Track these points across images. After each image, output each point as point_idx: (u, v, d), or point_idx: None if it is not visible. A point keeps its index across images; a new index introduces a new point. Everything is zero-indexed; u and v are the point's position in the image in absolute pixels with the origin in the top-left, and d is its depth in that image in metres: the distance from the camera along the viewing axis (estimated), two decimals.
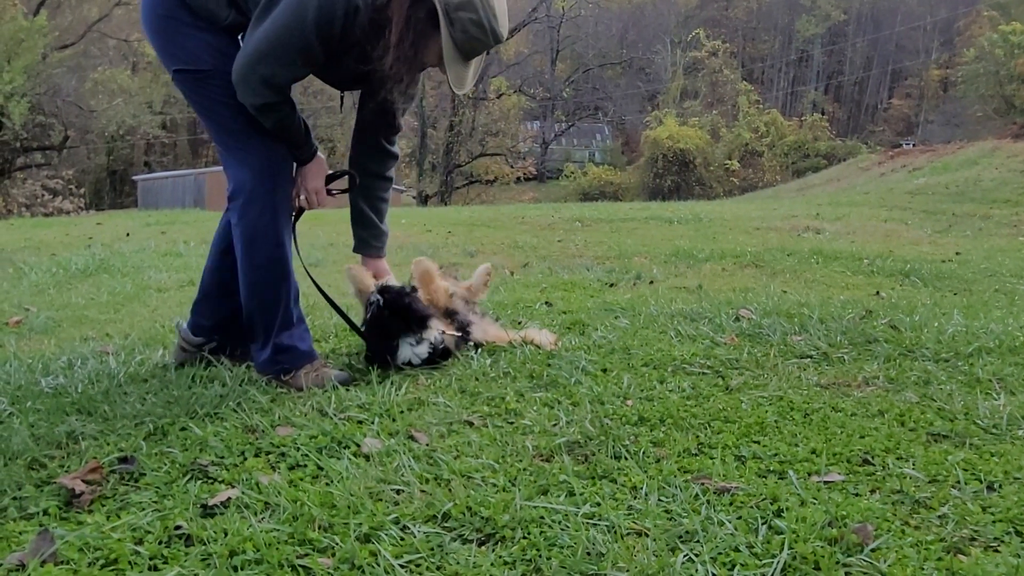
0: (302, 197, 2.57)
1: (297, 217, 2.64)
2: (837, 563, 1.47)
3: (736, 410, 2.32)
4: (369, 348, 2.79)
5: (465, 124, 37.92)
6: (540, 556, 1.49)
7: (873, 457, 1.99)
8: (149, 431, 2.09)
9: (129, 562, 1.45)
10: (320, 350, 2.85)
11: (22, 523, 1.60)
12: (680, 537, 1.57)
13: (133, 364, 2.77)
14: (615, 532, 1.57)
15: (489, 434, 2.10)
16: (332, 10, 2.18)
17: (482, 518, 1.62)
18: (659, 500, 1.73)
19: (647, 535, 1.57)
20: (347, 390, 2.46)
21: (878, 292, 4.76)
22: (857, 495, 1.78)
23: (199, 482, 1.79)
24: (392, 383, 2.53)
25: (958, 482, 1.83)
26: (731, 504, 1.72)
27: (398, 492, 1.75)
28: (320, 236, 7.61)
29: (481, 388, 2.51)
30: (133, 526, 1.58)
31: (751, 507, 1.69)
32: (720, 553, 1.51)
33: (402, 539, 1.55)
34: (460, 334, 2.89)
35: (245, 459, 1.93)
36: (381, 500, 1.70)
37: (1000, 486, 1.82)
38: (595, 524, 1.61)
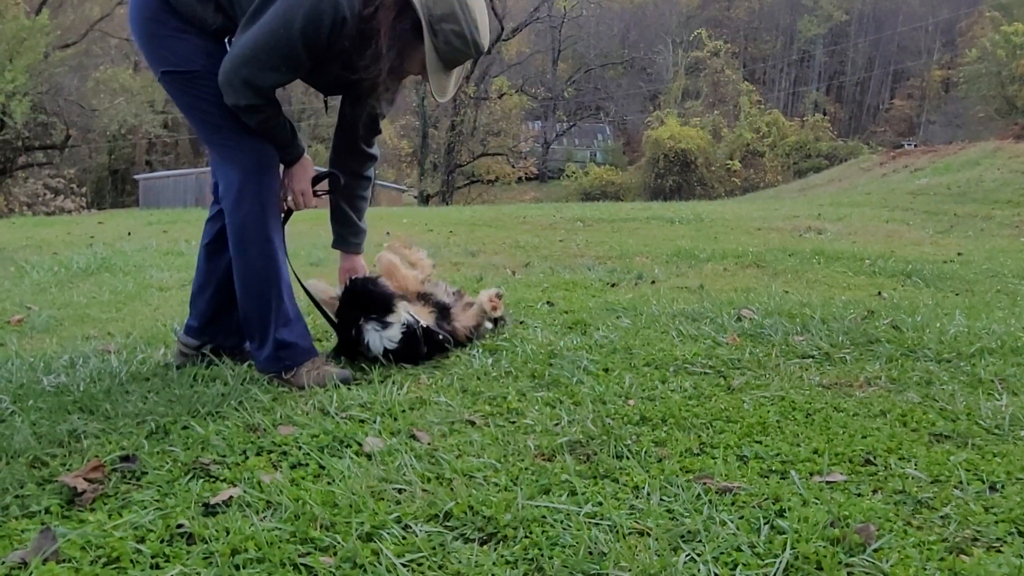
0: (289, 199, 2.58)
1: (286, 219, 2.67)
2: (839, 563, 1.47)
3: (738, 410, 2.32)
4: (338, 341, 2.81)
5: (467, 124, 37.90)
6: (542, 555, 1.49)
7: (875, 457, 1.98)
8: (151, 430, 2.09)
9: (131, 560, 1.45)
10: (321, 349, 2.85)
11: (24, 521, 1.60)
12: (682, 537, 1.57)
13: (135, 363, 2.77)
14: (617, 532, 1.57)
15: (491, 433, 2.10)
16: (320, 20, 2.21)
17: (484, 517, 1.62)
18: (661, 500, 1.73)
19: (649, 535, 1.57)
20: (349, 389, 2.46)
21: (880, 292, 4.76)
22: (859, 495, 1.78)
23: (201, 481, 1.79)
24: (394, 382, 2.53)
25: (960, 482, 1.83)
26: (733, 504, 1.72)
27: (400, 491, 1.75)
28: (322, 236, 7.60)
29: (483, 387, 2.51)
30: (135, 524, 1.58)
31: (753, 507, 1.69)
32: (722, 553, 1.51)
33: (404, 538, 1.55)
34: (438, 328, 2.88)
35: (247, 458, 1.93)
36: (383, 499, 1.70)
37: (1002, 486, 1.82)
38: (597, 524, 1.61)
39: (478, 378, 2.62)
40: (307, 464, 1.89)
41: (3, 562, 1.43)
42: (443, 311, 2.95)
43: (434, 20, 2.30)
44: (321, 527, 1.58)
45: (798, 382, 2.64)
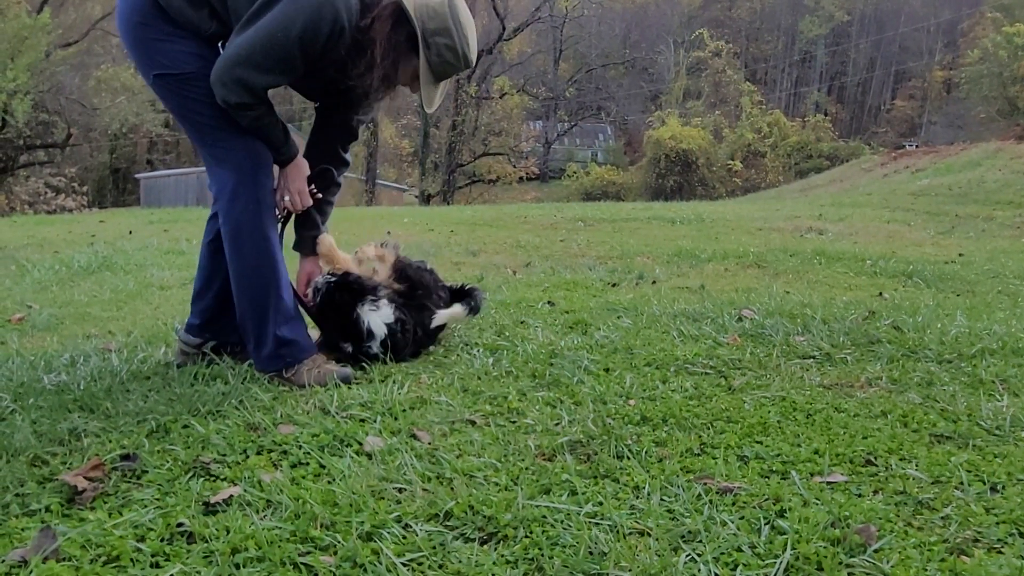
0: (286, 199, 2.58)
1: (286, 221, 2.68)
2: (840, 564, 1.47)
3: (739, 410, 2.32)
4: (325, 334, 2.80)
5: (468, 123, 37.85)
6: (542, 555, 1.49)
7: (876, 458, 1.98)
8: (151, 428, 2.09)
9: (131, 559, 1.46)
10: None
11: (24, 520, 1.60)
12: (682, 537, 1.57)
13: (135, 361, 2.78)
14: (617, 531, 1.57)
15: (491, 433, 2.10)
16: (319, 27, 2.26)
17: (484, 517, 1.62)
18: (661, 500, 1.73)
19: (649, 535, 1.57)
20: (349, 388, 2.46)
21: (881, 293, 4.75)
22: (860, 496, 1.78)
23: (201, 480, 1.79)
24: (394, 382, 2.53)
25: (961, 483, 1.83)
26: (734, 504, 1.71)
27: (400, 491, 1.75)
28: None
29: (483, 387, 2.51)
30: (135, 523, 1.58)
31: (754, 507, 1.69)
32: (723, 553, 1.51)
33: (404, 537, 1.55)
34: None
35: (247, 457, 1.93)
36: (383, 498, 1.70)
37: (1003, 487, 1.82)
38: (597, 523, 1.61)
39: (479, 378, 2.62)
40: (307, 463, 1.89)
41: (3, 560, 1.43)
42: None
43: (428, 33, 2.38)
44: (321, 526, 1.58)
45: (799, 382, 2.64)
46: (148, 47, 2.36)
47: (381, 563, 1.45)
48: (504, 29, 35.70)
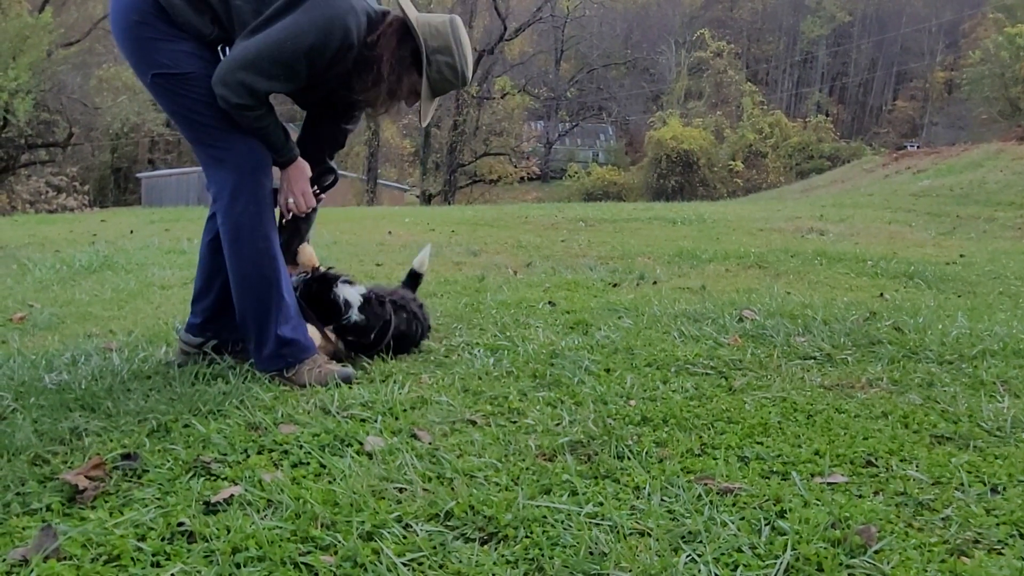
0: (291, 201, 2.59)
1: (292, 223, 2.69)
2: (840, 564, 1.47)
3: (739, 411, 2.32)
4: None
5: (469, 123, 37.88)
6: (543, 555, 1.49)
7: (876, 459, 1.98)
8: (152, 428, 2.09)
9: (132, 558, 1.46)
10: None
11: (25, 519, 1.60)
12: (683, 537, 1.57)
13: (136, 361, 2.78)
14: (618, 532, 1.57)
15: (492, 433, 2.10)
16: (328, 42, 2.32)
17: (485, 517, 1.62)
18: (662, 500, 1.73)
19: (650, 535, 1.57)
20: (350, 388, 2.46)
21: (882, 294, 4.75)
22: (860, 497, 1.78)
23: (202, 479, 1.80)
24: (395, 381, 2.53)
25: (962, 484, 1.83)
26: (734, 505, 1.71)
27: (401, 490, 1.75)
28: (324, 235, 7.62)
29: (484, 387, 2.51)
30: (136, 522, 1.58)
31: (754, 508, 1.69)
32: (723, 554, 1.51)
33: (404, 537, 1.55)
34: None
35: (248, 456, 1.93)
36: (384, 498, 1.70)
37: (1004, 488, 1.82)
38: (598, 524, 1.61)
39: (479, 378, 2.62)
40: (308, 463, 1.89)
41: (4, 559, 1.43)
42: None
43: (430, 51, 2.46)
44: (322, 526, 1.58)
45: (800, 383, 2.64)
46: (147, 46, 2.35)
47: (381, 563, 1.46)
48: (505, 29, 35.71)
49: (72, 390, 2.40)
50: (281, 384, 2.52)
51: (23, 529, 1.56)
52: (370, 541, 1.53)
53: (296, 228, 2.81)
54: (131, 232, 8.34)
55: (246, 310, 2.54)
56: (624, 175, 45.23)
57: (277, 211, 2.61)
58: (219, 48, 2.43)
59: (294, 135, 2.59)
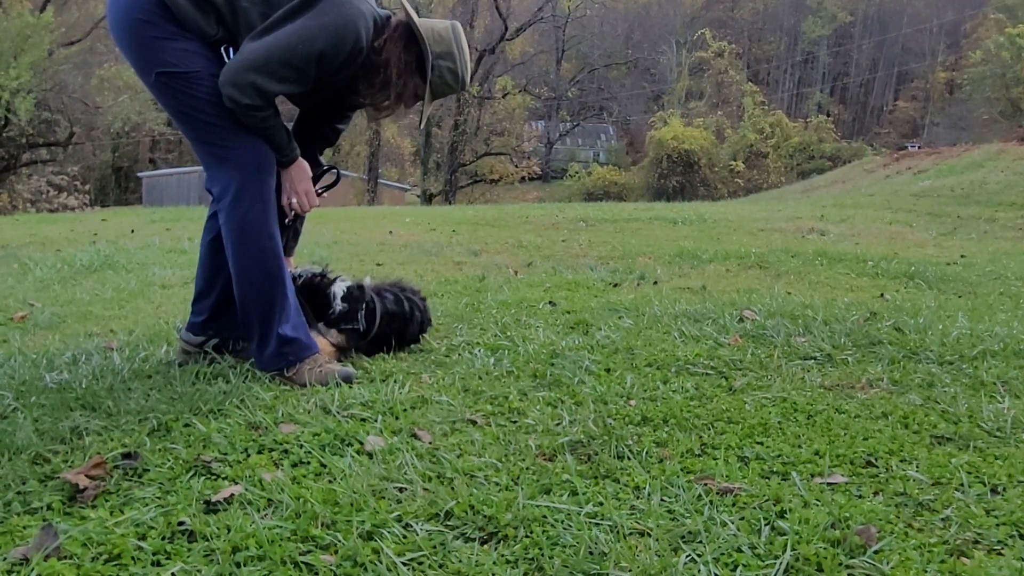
0: (293, 201, 2.60)
1: (296, 221, 2.69)
2: (840, 565, 1.47)
3: (739, 411, 2.32)
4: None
5: (470, 123, 37.88)
6: (542, 555, 1.49)
7: (876, 459, 1.98)
8: (153, 427, 2.09)
9: (132, 557, 1.46)
10: None
11: (26, 518, 1.60)
12: (683, 537, 1.57)
13: (137, 360, 2.78)
14: (618, 532, 1.58)
15: (492, 433, 2.11)
16: (339, 47, 2.36)
17: (485, 517, 1.62)
18: (662, 500, 1.73)
19: (650, 535, 1.57)
20: (350, 387, 2.46)
21: (882, 294, 4.75)
22: (860, 497, 1.78)
23: (202, 478, 1.80)
24: (395, 381, 2.54)
25: (962, 485, 1.83)
26: (734, 505, 1.72)
27: (401, 490, 1.75)
28: (325, 234, 7.62)
29: (484, 387, 2.51)
30: (136, 522, 1.58)
31: (754, 508, 1.69)
32: (723, 554, 1.51)
33: (404, 537, 1.55)
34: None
35: (248, 456, 1.93)
36: (384, 498, 1.70)
37: (1004, 489, 1.82)
38: (598, 524, 1.61)
39: (480, 377, 2.63)
40: (308, 462, 1.89)
41: (5, 558, 1.43)
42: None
43: (434, 56, 2.53)
44: (322, 525, 1.58)
45: (800, 383, 2.64)
46: (150, 45, 2.35)
47: (381, 562, 1.46)
48: (507, 29, 35.71)
49: (73, 389, 2.40)
50: (282, 383, 2.52)
51: (24, 528, 1.56)
52: (370, 540, 1.53)
53: (295, 228, 2.82)
54: (132, 231, 8.34)
55: (250, 309, 2.54)
56: (625, 175, 45.25)
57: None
58: (223, 49, 2.44)
59: None
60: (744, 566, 1.47)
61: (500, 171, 40.19)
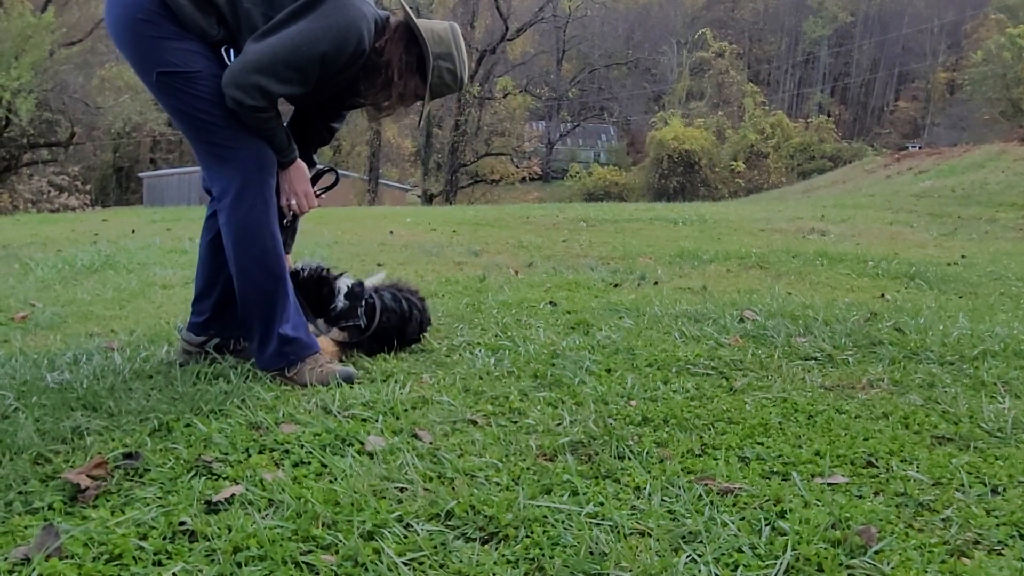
0: (293, 202, 2.60)
1: (292, 222, 2.70)
2: (840, 565, 1.47)
3: (740, 411, 2.32)
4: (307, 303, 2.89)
5: (471, 123, 37.87)
6: (543, 555, 1.49)
7: (877, 459, 1.98)
8: (154, 427, 2.09)
9: (133, 557, 1.46)
10: None
11: (27, 517, 1.61)
12: (683, 537, 1.57)
13: (138, 360, 2.78)
14: (618, 532, 1.58)
15: (493, 433, 2.11)
16: (343, 48, 2.37)
17: (485, 517, 1.63)
18: (662, 500, 1.73)
19: (650, 535, 1.57)
20: (351, 387, 2.47)
21: (883, 294, 4.75)
22: (861, 497, 1.78)
23: (203, 478, 1.80)
24: (396, 381, 2.54)
25: (962, 485, 1.83)
26: (734, 505, 1.72)
27: (401, 490, 1.75)
28: (325, 234, 7.62)
29: (485, 387, 2.51)
30: (138, 521, 1.58)
31: (754, 508, 1.69)
32: (723, 554, 1.51)
33: (405, 537, 1.55)
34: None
35: (249, 456, 1.93)
36: (384, 498, 1.71)
37: (1004, 489, 1.82)
38: (598, 524, 1.61)
39: (480, 378, 2.63)
40: (309, 462, 1.90)
41: (6, 558, 1.43)
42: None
43: (433, 57, 2.55)
44: (323, 525, 1.58)
45: (800, 384, 2.64)
46: (152, 45, 2.34)
47: (382, 562, 1.46)
48: (507, 29, 35.71)
49: (74, 389, 2.40)
50: (282, 384, 2.53)
51: (25, 528, 1.56)
52: (371, 540, 1.53)
53: (293, 228, 2.83)
54: (133, 232, 8.34)
55: (251, 309, 2.54)
56: (625, 175, 45.27)
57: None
58: (223, 50, 2.44)
59: None
60: (745, 566, 1.47)
61: (501, 171, 40.19)
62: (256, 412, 2.21)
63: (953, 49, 56.29)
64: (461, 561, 1.47)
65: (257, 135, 2.42)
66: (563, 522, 1.62)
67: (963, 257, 7.07)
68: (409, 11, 2.56)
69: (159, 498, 1.70)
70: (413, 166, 43.53)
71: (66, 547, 1.47)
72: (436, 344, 3.08)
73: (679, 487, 1.79)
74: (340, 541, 1.52)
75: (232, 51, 2.43)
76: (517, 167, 41.18)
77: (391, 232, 8.18)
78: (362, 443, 2.01)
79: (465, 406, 2.32)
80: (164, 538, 1.53)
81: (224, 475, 1.82)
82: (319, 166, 2.80)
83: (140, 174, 33.42)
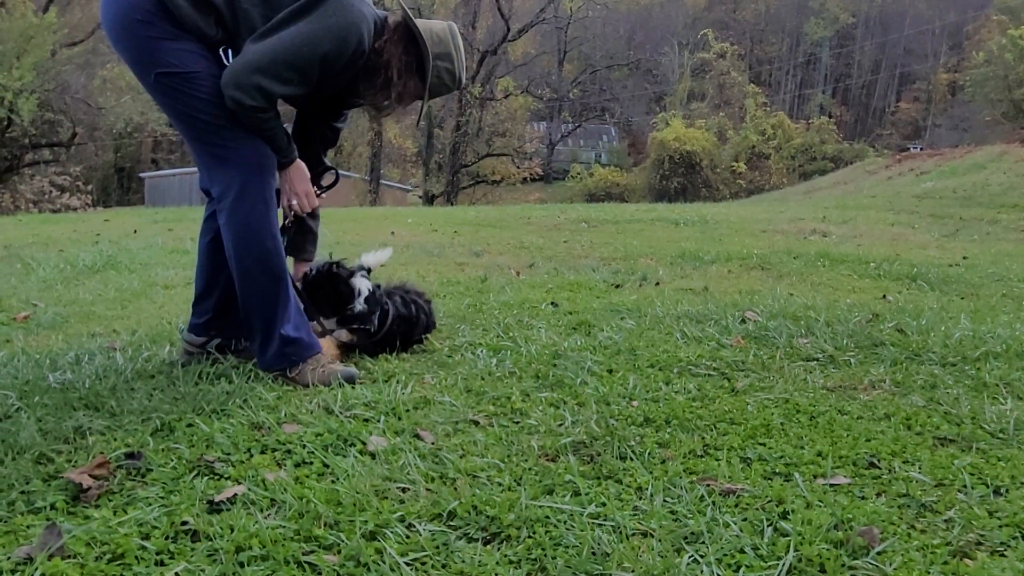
0: (294, 202, 2.61)
1: (293, 222, 2.70)
2: (843, 566, 1.47)
3: (742, 412, 2.32)
4: (316, 302, 2.89)
5: (472, 124, 37.84)
6: (545, 555, 1.49)
7: (879, 460, 1.98)
8: (156, 427, 2.09)
9: (136, 557, 1.46)
10: None
11: (30, 517, 1.61)
12: (685, 538, 1.57)
13: (140, 360, 2.78)
14: (620, 532, 1.58)
15: (495, 433, 2.11)
16: (343, 49, 2.38)
17: (487, 517, 1.63)
18: (664, 501, 1.73)
19: (652, 536, 1.57)
20: (353, 388, 2.47)
21: (885, 296, 4.75)
22: (863, 498, 1.78)
23: (206, 478, 1.80)
24: (398, 381, 2.54)
25: (964, 486, 1.83)
26: (736, 506, 1.72)
27: (404, 490, 1.75)
28: (327, 234, 7.61)
29: (487, 387, 2.51)
30: (140, 521, 1.58)
31: (756, 509, 1.69)
32: (725, 555, 1.51)
33: (407, 537, 1.55)
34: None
35: (251, 456, 1.93)
36: (387, 498, 1.71)
37: (1007, 490, 1.82)
38: (600, 524, 1.61)
39: (482, 378, 2.63)
40: (311, 462, 1.90)
41: (9, 557, 1.43)
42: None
43: (432, 58, 2.57)
44: (325, 525, 1.58)
45: (802, 384, 2.64)
46: (150, 45, 2.34)
47: (384, 562, 1.46)
48: (509, 30, 35.70)
49: (76, 389, 2.40)
50: (284, 384, 2.53)
51: (28, 527, 1.56)
52: (373, 541, 1.53)
53: (306, 227, 2.82)
54: (134, 232, 8.35)
55: (253, 309, 2.54)
56: (627, 176, 45.25)
57: (279, 212, 2.62)
58: (221, 51, 2.43)
59: None
60: (747, 567, 1.47)
61: (502, 172, 40.17)
62: (258, 412, 2.21)
63: (955, 50, 56.25)
64: (463, 561, 1.48)
65: (257, 136, 2.42)
66: (565, 522, 1.62)
67: (965, 258, 7.06)
68: (408, 11, 2.57)
69: (161, 498, 1.70)
70: (414, 167, 43.53)
71: (68, 547, 1.47)
72: (438, 344, 3.08)
73: (681, 488, 1.79)
74: (342, 541, 1.52)
75: (230, 52, 2.43)
76: (518, 168, 41.17)
77: (392, 232, 8.18)
78: (364, 443, 2.02)
79: (467, 406, 2.32)
80: (166, 538, 1.53)
81: (226, 475, 1.82)
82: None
83: (142, 174, 33.46)
